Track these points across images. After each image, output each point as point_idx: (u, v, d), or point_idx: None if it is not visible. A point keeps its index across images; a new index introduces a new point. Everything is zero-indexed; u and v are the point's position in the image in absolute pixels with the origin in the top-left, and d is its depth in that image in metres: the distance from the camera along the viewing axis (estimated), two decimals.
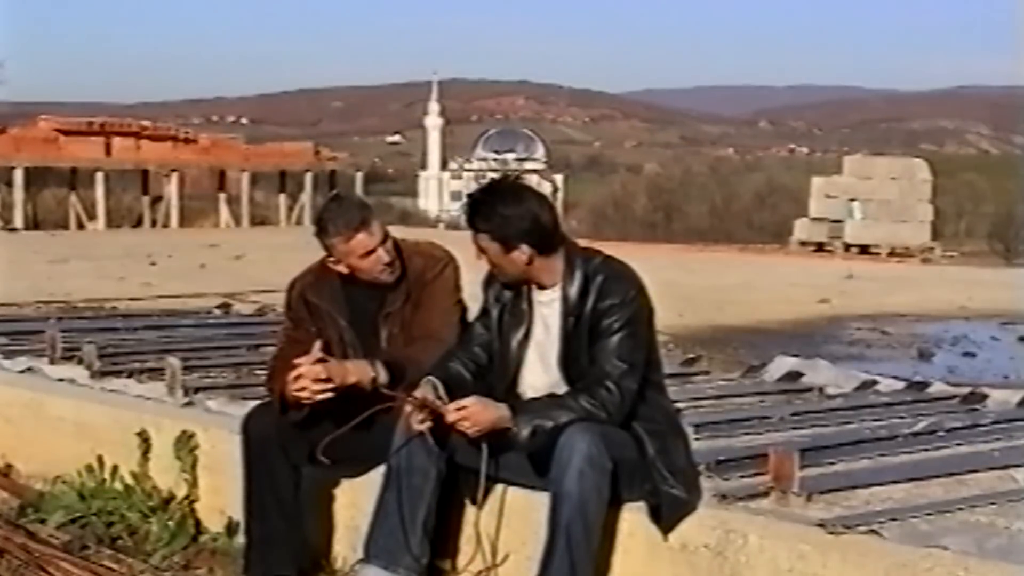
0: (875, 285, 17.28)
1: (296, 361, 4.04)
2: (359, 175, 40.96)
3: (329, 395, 4.02)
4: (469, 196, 3.93)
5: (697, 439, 4.51)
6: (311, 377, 4.00)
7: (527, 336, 3.92)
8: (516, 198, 3.84)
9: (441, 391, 3.80)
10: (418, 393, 3.78)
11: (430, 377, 3.85)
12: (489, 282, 4.01)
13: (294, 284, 4.46)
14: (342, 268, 4.30)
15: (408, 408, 3.79)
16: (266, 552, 4.18)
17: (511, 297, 3.95)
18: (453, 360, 3.98)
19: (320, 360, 4.03)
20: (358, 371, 4.09)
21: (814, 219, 30.53)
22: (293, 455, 4.17)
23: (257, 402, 4.58)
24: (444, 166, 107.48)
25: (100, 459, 5.24)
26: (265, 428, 4.18)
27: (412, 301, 4.32)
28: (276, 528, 4.16)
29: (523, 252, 3.81)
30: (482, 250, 3.86)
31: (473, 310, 4.24)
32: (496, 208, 3.81)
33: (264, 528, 4.18)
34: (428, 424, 3.75)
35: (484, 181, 4.15)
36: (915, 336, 12.15)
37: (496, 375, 3.96)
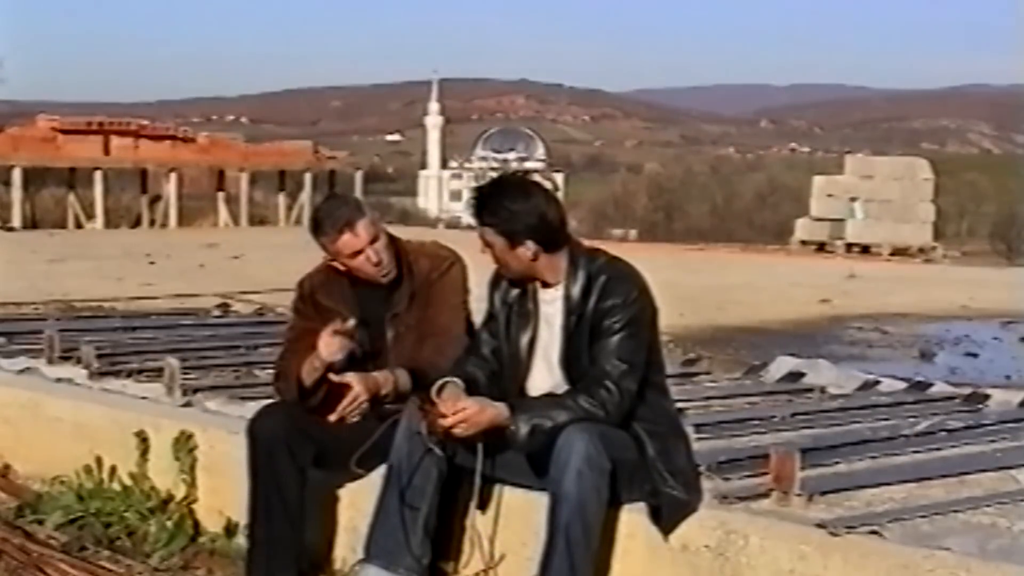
0: (876, 285, 17.26)
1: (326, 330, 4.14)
2: (359, 174, 40.82)
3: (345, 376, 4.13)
4: (476, 189, 3.90)
5: (698, 439, 4.49)
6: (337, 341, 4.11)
7: (534, 337, 3.90)
8: (524, 193, 3.82)
9: (462, 390, 3.78)
10: (445, 394, 3.75)
11: (453, 379, 3.83)
12: (496, 283, 3.98)
13: (303, 282, 4.46)
14: (339, 266, 4.30)
15: (411, 409, 3.78)
16: (269, 555, 4.15)
17: (517, 297, 3.93)
18: (467, 364, 3.96)
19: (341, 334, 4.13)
20: (383, 381, 4.18)
21: (815, 219, 30.50)
22: (299, 457, 4.15)
23: (259, 404, 4.56)
24: (444, 165, 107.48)
25: (98, 459, 5.22)
26: (272, 430, 4.16)
27: (419, 301, 4.31)
28: (280, 531, 4.13)
29: (528, 248, 3.79)
30: (487, 244, 3.85)
31: (477, 311, 4.22)
32: (503, 202, 3.79)
33: (269, 530, 4.15)
34: (426, 426, 3.74)
35: (489, 177, 4.13)
36: (917, 336, 12.14)
37: (507, 378, 3.93)
